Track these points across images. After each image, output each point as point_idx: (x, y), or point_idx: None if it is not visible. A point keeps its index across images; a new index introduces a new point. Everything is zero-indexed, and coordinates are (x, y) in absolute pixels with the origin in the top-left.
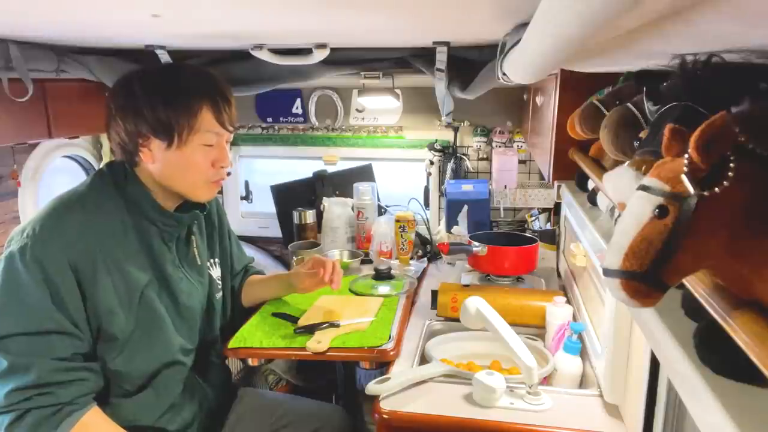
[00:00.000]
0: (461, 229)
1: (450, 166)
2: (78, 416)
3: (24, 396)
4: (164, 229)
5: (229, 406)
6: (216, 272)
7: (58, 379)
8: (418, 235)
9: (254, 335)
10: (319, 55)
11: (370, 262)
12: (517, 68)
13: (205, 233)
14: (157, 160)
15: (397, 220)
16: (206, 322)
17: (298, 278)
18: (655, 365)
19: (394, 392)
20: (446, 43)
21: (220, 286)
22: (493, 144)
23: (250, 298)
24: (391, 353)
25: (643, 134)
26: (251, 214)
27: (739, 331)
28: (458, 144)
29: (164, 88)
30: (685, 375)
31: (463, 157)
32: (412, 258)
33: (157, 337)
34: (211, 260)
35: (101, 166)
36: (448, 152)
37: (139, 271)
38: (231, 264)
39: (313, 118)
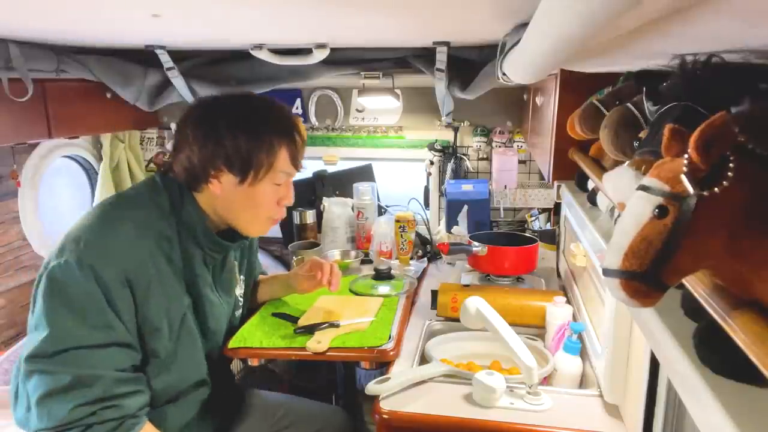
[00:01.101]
0: (461, 229)
1: (450, 166)
2: (138, 430)
3: (90, 410)
4: (208, 254)
5: (229, 406)
6: (240, 290)
7: (121, 391)
8: (418, 235)
9: (254, 335)
10: (319, 55)
11: (370, 262)
12: (517, 68)
13: (238, 254)
14: (224, 192)
15: (397, 220)
16: (225, 339)
17: (296, 280)
18: (655, 365)
19: (394, 392)
20: (446, 43)
21: (241, 303)
22: (493, 144)
23: (251, 299)
24: (391, 353)
25: (643, 134)
26: None
27: (738, 331)
28: (458, 144)
29: (248, 125)
30: (685, 375)
31: (463, 157)
32: (412, 258)
33: (191, 358)
34: (239, 278)
35: (153, 175)
36: (448, 152)
37: (183, 292)
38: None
39: (313, 118)
